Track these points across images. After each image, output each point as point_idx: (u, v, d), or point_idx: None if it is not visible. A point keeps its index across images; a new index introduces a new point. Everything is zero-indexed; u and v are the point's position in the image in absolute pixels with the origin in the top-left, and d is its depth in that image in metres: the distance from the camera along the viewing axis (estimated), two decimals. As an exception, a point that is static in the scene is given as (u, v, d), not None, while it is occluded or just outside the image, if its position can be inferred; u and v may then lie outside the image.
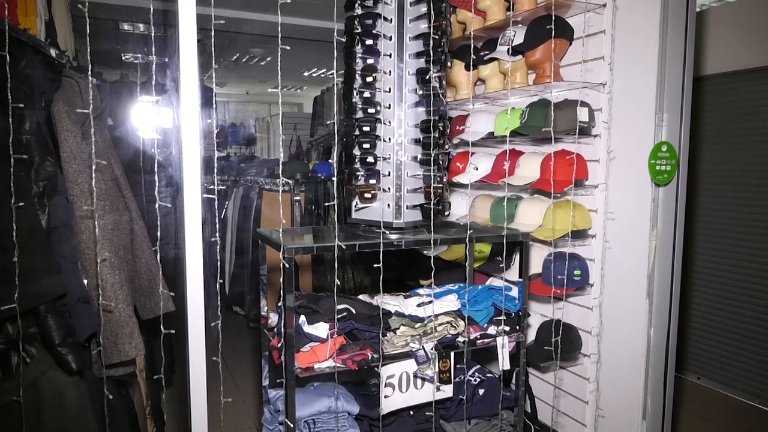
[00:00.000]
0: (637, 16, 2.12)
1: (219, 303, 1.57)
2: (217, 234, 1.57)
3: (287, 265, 1.61)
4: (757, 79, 3.49)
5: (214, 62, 1.73)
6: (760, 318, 3.50)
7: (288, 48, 1.74)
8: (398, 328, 1.86)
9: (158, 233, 1.52)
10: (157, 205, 1.56)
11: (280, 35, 1.61)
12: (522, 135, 2.36)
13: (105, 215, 1.81)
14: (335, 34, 1.66)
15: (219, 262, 1.77)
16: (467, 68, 2.64)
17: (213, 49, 1.62)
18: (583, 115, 2.18)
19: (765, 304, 3.47)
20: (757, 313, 3.52)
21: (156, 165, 1.65)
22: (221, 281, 1.73)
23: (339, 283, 1.97)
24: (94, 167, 1.59)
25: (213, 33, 1.59)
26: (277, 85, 1.81)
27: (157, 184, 1.70)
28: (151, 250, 2.09)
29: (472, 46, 2.28)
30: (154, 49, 1.66)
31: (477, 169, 2.64)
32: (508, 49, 2.43)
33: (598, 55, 2.24)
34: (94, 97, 1.87)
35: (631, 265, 2.17)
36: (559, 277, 2.16)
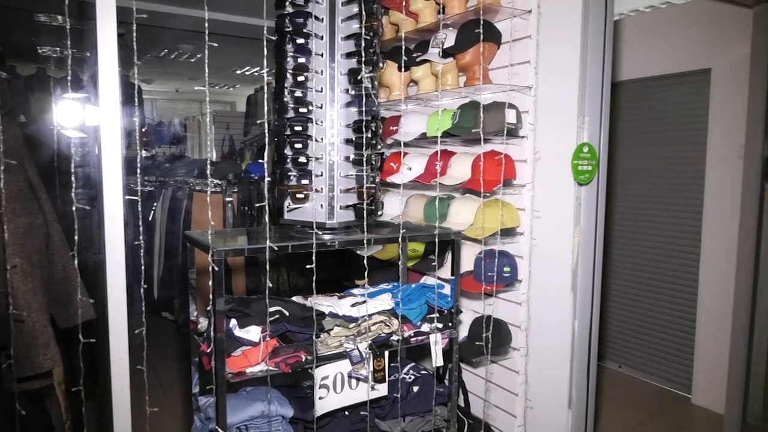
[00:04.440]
0: (560, 23, 2.22)
1: (144, 309, 1.50)
2: (141, 237, 1.50)
3: (216, 268, 1.57)
4: (668, 85, 3.74)
5: (136, 58, 1.65)
6: (673, 308, 3.75)
7: (216, 45, 1.69)
8: (332, 329, 1.85)
9: (76, 237, 1.44)
10: (74, 208, 1.48)
11: (207, 31, 1.57)
12: (453, 136, 2.41)
13: (15, 219, 1.69)
14: (265, 31, 1.63)
15: (143, 267, 1.69)
16: (400, 69, 2.67)
17: (135, 43, 1.55)
18: (510, 117, 2.25)
19: (677, 295, 3.72)
20: (670, 303, 3.77)
21: (74, 165, 1.56)
22: (146, 286, 1.65)
23: (272, 285, 1.94)
24: (2, 167, 1.48)
25: (135, 27, 1.52)
26: (209, 83, 1.76)
27: (74, 185, 1.60)
28: (68, 255, 1.97)
29: (403, 47, 2.31)
30: (70, 42, 1.57)
31: (410, 169, 2.67)
32: (440, 51, 2.47)
33: (525, 59, 2.32)
34: (2, 92, 1.74)
35: (556, 261, 2.26)
36: (489, 274, 2.22)
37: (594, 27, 2.16)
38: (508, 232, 2.32)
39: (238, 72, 7.73)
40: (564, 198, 2.21)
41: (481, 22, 2.17)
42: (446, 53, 2.47)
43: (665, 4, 3.72)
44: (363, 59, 1.84)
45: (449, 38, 2.45)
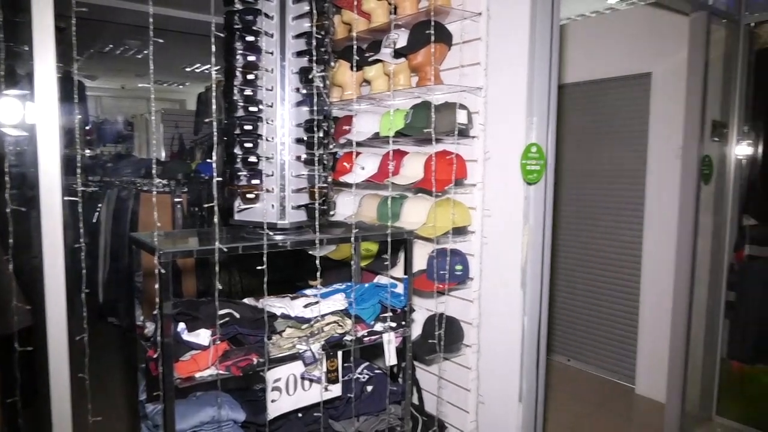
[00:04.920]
0: (508, 26, 2.26)
1: (86, 314, 1.45)
2: (82, 240, 1.44)
3: (163, 271, 1.52)
4: (611, 88, 3.88)
5: (76, 53, 1.59)
6: (617, 303, 3.90)
7: (161, 41, 1.64)
8: (284, 330, 1.82)
9: (10, 240, 1.37)
10: (8, 210, 1.41)
11: (151, 27, 1.52)
12: (406, 136, 2.43)
13: (-57, 221, 1.59)
14: (213, 28, 1.59)
15: (86, 271, 1.63)
16: (352, 69, 2.66)
17: (75, 38, 1.49)
18: (461, 117, 2.28)
19: (621, 290, 3.86)
20: (615, 298, 3.91)
21: (8, 165, 1.49)
22: (88, 291, 1.59)
23: (223, 287, 1.90)
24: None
25: (75, 21, 1.46)
26: (156, 80, 1.70)
27: (9, 185, 1.53)
28: (2, 259, 1.87)
29: (355, 47, 2.30)
30: (4, 35, 1.49)
31: (363, 168, 2.66)
32: (392, 51, 2.48)
33: (475, 60, 2.36)
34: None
35: (506, 258, 2.31)
36: (442, 272, 2.25)
37: (541, 30, 2.21)
38: (459, 231, 2.35)
39: (188, 69, 7.54)
40: (513, 197, 2.26)
41: (432, 23, 2.19)
42: (398, 53, 2.48)
43: (609, 10, 3.86)
44: (314, 58, 1.82)
45: (401, 38, 2.47)
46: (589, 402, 3.59)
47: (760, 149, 3.21)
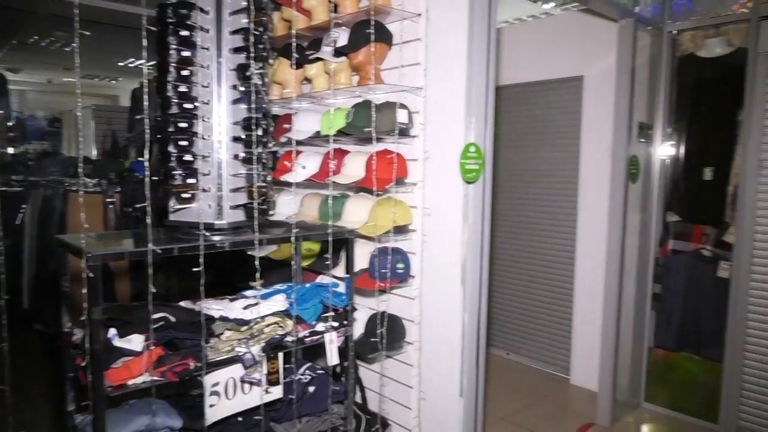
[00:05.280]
0: (447, 27, 2.30)
1: (7, 322, 1.36)
2: (0, 243, 1.36)
3: (91, 275, 1.45)
4: (546, 90, 4.01)
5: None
6: (553, 298, 4.04)
7: (88, 33, 1.57)
8: (223, 333, 1.78)
9: None
10: None
11: (76, 16, 1.45)
12: (347, 135, 2.42)
13: None
14: (144, 21, 1.54)
15: (6, 275, 1.53)
16: (293, 66, 2.63)
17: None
18: (402, 116, 2.30)
19: (557, 285, 4.01)
20: (551, 293, 4.06)
21: None
22: (8, 297, 1.49)
23: (159, 290, 1.83)
24: None
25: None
26: (87, 74, 1.62)
27: None
28: None
29: (294, 44, 2.28)
30: None
31: (304, 168, 2.64)
32: (333, 50, 2.47)
33: (415, 61, 2.38)
34: None
35: (446, 256, 2.35)
36: (383, 271, 2.26)
37: (479, 33, 2.26)
38: (401, 230, 2.37)
39: (121, 64, 7.22)
40: (453, 195, 2.30)
41: (373, 22, 2.20)
42: (339, 52, 2.47)
43: (544, 15, 4.00)
44: (252, 55, 1.79)
45: (342, 37, 2.46)
46: (527, 394, 3.71)
47: (682, 150, 3.41)
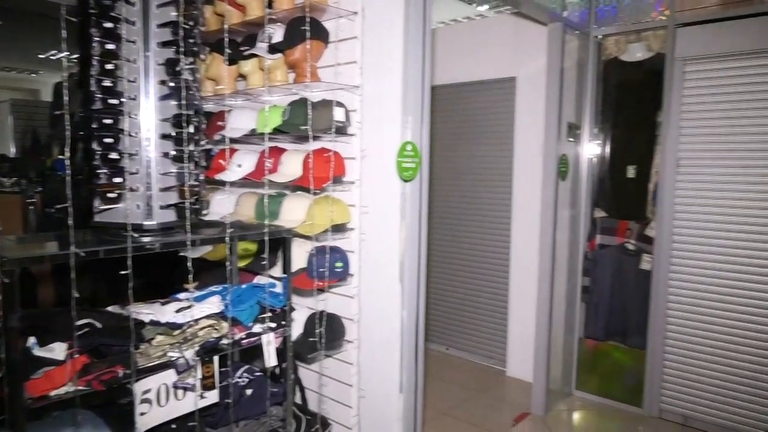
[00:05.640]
0: (384, 27, 2.31)
1: None
2: None
3: (6, 280, 1.36)
4: (481, 90, 4.11)
5: None
6: (490, 293, 4.15)
7: (1, 23, 1.47)
8: (154, 338, 1.72)
9: None
10: None
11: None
12: (284, 132, 2.39)
13: None
14: (63, 11, 1.46)
15: None
16: (226, 62, 2.57)
17: None
18: (339, 115, 2.29)
19: (493, 280, 4.12)
20: (487, 288, 4.17)
21: None
22: None
23: (86, 295, 1.74)
24: None
25: None
26: (4, 67, 1.51)
27: None
28: None
29: (226, 39, 2.22)
30: None
31: (240, 166, 2.58)
32: (268, 46, 2.43)
33: (352, 59, 2.38)
34: None
35: (385, 254, 2.36)
36: (321, 270, 2.25)
37: (414, 32, 2.29)
38: (339, 228, 2.36)
39: (41, 56, 6.80)
40: (390, 194, 2.32)
41: (308, 19, 2.18)
42: (274, 49, 2.44)
43: (479, 17, 4.09)
44: (182, 49, 1.73)
45: (277, 33, 2.42)
46: (466, 387, 3.79)
47: (608, 149, 3.58)
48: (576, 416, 3.43)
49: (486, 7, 3.86)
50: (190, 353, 1.75)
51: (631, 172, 3.47)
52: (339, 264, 2.35)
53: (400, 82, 2.27)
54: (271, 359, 2.00)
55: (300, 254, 2.37)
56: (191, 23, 1.78)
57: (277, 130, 2.40)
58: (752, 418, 2.98)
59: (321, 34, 2.38)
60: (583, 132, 3.55)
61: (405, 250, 2.32)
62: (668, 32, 3.16)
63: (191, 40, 1.78)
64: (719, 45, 2.99)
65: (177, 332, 1.75)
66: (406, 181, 2.29)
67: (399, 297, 2.35)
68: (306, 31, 2.19)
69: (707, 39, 3.03)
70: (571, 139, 3.44)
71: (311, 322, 2.37)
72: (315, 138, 2.29)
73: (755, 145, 2.92)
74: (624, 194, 3.50)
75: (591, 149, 3.59)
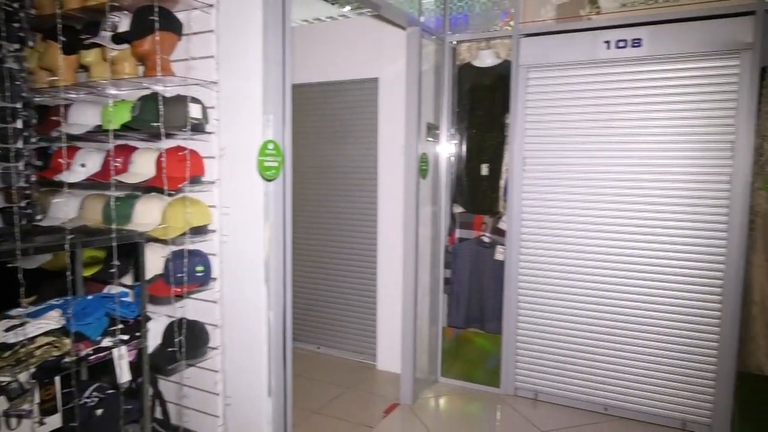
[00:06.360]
0: (242, 21, 2.24)
1: None
2: None
3: None
4: (346, 90, 4.17)
5: None
6: (359, 289, 4.22)
7: None
8: (-23, 362, 1.51)
9: None
10: None
11: None
12: (134, 129, 2.23)
13: None
14: None
15: None
16: (61, 51, 2.33)
17: None
18: (195, 111, 2.19)
19: (361, 276, 4.20)
20: (356, 284, 4.24)
21: None
22: None
23: None
24: None
25: None
26: None
27: None
28: None
29: (59, 24, 2.01)
30: None
31: (84, 166, 2.36)
32: (112, 35, 2.24)
33: (208, 53, 2.29)
34: None
35: (249, 255, 2.30)
36: (180, 275, 2.13)
37: (274, 29, 2.25)
38: (199, 231, 2.26)
39: None
40: (252, 193, 2.26)
41: (157, 9, 2.05)
42: (121, 38, 2.25)
43: (342, 17, 4.13)
44: (4, 34, 1.53)
45: (124, 22, 2.25)
46: (338, 384, 3.82)
47: (464, 148, 3.82)
48: (442, 401, 3.61)
49: (348, 8, 3.92)
50: (24, 376, 1.56)
51: (484, 170, 3.72)
52: (200, 268, 2.24)
53: (260, 80, 2.22)
54: (123, 374, 1.86)
55: (156, 260, 2.22)
56: (16, 5, 1.59)
57: (126, 127, 2.22)
58: (590, 388, 3.36)
59: (173, 26, 2.25)
60: (442, 132, 3.74)
61: (270, 250, 2.28)
62: (513, 41, 3.44)
63: (16, 24, 1.59)
64: (555, 55, 3.33)
65: (8, 353, 1.56)
66: (268, 180, 2.25)
67: (265, 299, 2.30)
68: (154, 21, 2.05)
69: (545, 49, 3.35)
70: (431, 139, 3.61)
71: (170, 331, 2.24)
72: (169, 136, 2.17)
73: (586, 145, 3.29)
74: (479, 191, 3.75)
75: (449, 148, 3.79)
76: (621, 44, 3.15)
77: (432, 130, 3.61)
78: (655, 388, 3.20)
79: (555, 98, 3.37)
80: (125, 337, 1.87)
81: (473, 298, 3.81)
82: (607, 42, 3.18)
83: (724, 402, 3.00)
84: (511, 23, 3.49)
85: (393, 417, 3.34)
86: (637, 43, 3.10)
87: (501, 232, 3.64)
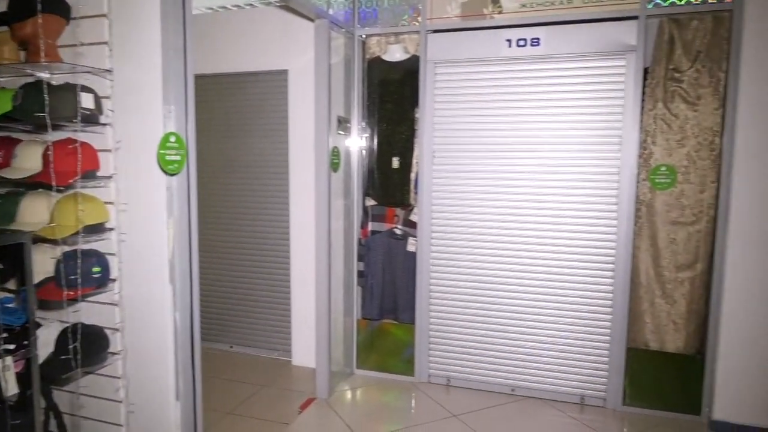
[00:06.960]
0: (137, 5, 2.12)
1: None
2: None
3: None
4: (254, 81, 4.07)
5: None
6: (272, 285, 4.16)
7: None
8: None
9: None
10: None
11: None
12: (17, 120, 2.04)
13: None
14: None
15: None
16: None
17: None
18: (87, 101, 2.05)
19: (274, 272, 4.13)
20: (269, 281, 4.17)
21: None
22: None
23: None
24: None
25: None
26: None
27: None
28: None
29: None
30: None
31: (-43, 160, 2.13)
32: (-12, 17, 2.04)
33: (101, 39, 2.14)
34: None
35: (151, 254, 2.19)
36: (73, 277, 1.98)
37: (174, 15, 2.14)
38: (94, 229, 2.12)
39: None
40: (153, 189, 2.15)
41: (39, -11, 1.89)
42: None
43: (249, 6, 4.01)
44: None
45: (1, 2, 2.05)
46: (252, 383, 3.74)
47: (375, 142, 3.85)
48: (358, 393, 3.64)
49: (254, -3, 3.82)
50: None
51: (395, 163, 3.78)
52: (96, 269, 2.10)
53: (160, 68, 2.12)
54: (10, 387, 1.71)
55: (45, 261, 2.06)
56: None
57: (6, 117, 2.03)
58: (498, 371, 3.53)
59: (59, 8, 2.08)
60: (353, 125, 3.75)
61: (174, 248, 2.18)
62: (421, 37, 3.51)
63: None
64: (461, 51, 3.43)
65: None
66: (171, 174, 2.14)
67: (170, 298, 2.20)
68: (36, 2, 1.89)
69: (452, 46, 3.45)
70: (342, 132, 3.61)
71: (64, 337, 2.09)
72: (57, 127, 2.01)
73: (491, 139, 3.43)
74: (390, 183, 3.80)
75: (361, 142, 3.81)
76: (521, 43, 3.31)
77: (343, 123, 3.61)
78: (555, 368, 3.42)
79: (462, 93, 3.48)
80: (11, 347, 1.72)
81: (387, 290, 3.86)
82: (509, 40, 3.33)
83: (617, 376, 3.26)
84: (419, 19, 3.56)
85: (309, 412, 3.32)
86: (536, 42, 3.28)
87: (413, 224, 3.71)
